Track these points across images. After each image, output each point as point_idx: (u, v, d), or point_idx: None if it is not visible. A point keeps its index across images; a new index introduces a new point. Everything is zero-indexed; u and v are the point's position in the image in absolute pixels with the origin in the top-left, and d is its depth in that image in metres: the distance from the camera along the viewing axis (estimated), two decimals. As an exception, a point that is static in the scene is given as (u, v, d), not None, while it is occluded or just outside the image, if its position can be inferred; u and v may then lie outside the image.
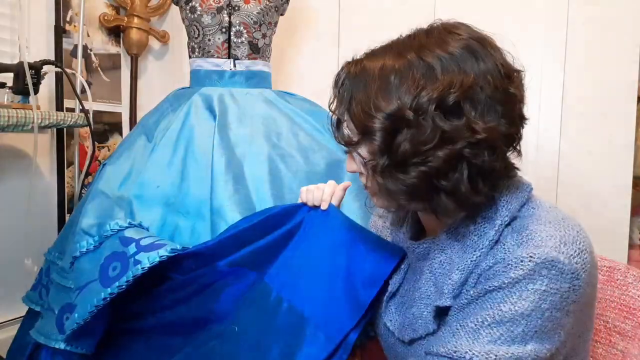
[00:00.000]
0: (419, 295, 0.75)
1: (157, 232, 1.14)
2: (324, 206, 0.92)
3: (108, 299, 0.91)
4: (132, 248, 0.97)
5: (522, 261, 0.60)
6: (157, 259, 0.92)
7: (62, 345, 0.98)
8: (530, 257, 0.60)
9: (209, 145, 1.26)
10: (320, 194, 0.93)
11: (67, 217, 1.64)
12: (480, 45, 0.64)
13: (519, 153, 0.70)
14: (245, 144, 1.28)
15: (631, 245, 1.82)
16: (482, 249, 0.66)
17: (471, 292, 0.65)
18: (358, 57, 0.71)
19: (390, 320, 0.80)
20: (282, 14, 1.61)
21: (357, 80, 0.67)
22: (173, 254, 0.94)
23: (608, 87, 1.56)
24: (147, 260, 0.93)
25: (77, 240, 1.09)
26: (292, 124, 1.37)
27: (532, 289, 0.60)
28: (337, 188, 0.94)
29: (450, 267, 0.70)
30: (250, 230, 0.95)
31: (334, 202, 0.93)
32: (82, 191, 1.70)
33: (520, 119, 0.68)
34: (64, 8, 1.66)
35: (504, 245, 0.65)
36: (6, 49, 1.52)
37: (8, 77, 1.34)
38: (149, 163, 1.24)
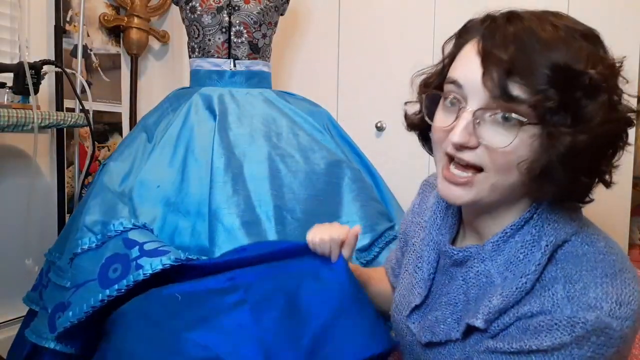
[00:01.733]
0: (446, 300, 0.72)
1: (157, 231, 1.14)
2: (333, 259, 0.85)
3: (105, 300, 0.90)
4: (135, 251, 0.96)
5: (573, 326, 0.56)
6: (160, 267, 0.91)
7: (51, 345, 0.98)
8: (583, 323, 0.56)
9: (209, 145, 1.26)
10: (328, 247, 0.83)
11: (67, 217, 1.64)
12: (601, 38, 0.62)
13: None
14: (245, 144, 1.28)
15: (631, 245, 1.82)
16: (528, 274, 0.61)
17: (507, 339, 0.62)
18: (508, 14, 0.61)
19: (413, 323, 0.78)
20: (282, 14, 1.61)
21: (530, 34, 0.57)
22: (176, 264, 0.92)
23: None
24: (150, 266, 0.92)
25: (79, 236, 1.08)
26: (292, 124, 1.37)
27: (577, 355, 0.57)
28: (349, 235, 0.84)
29: (487, 281, 0.67)
30: (257, 259, 0.90)
31: (346, 252, 0.85)
32: (82, 191, 1.70)
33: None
34: (64, 8, 1.66)
35: (553, 292, 0.60)
36: (6, 49, 1.52)
37: (8, 77, 1.34)
38: (149, 163, 1.24)
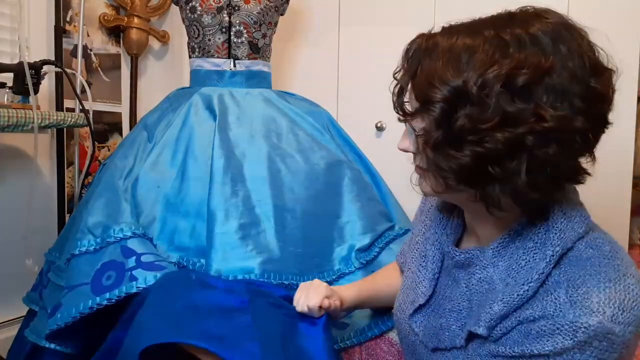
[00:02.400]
0: (450, 307, 0.73)
1: (157, 232, 1.14)
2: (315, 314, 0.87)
3: (95, 308, 0.90)
4: (131, 261, 0.96)
5: (575, 331, 0.56)
6: (153, 282, 0.91)
7: (52, 345, 0.98)
8: (585, 328, 0.56)
9: (208, 146, 1.26)
10: (306, 306, 0.86)
11: (67, 217, 1.64)
12: (567, 32, 0.59)
13: (593, 158, 0.63)
14: (245, 144, 1.28)
15: (631, 245, 1.82)
16: (530, 282, 0.61)
17: (509, 344, 0.62)
18: (432, 32, 0.66)
19: (415, 322, 0.78)
20: (282, 14, 1.61)
21: (426, 53, 0.63)
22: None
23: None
24: (144, 280, 0.92)
25: (78, 237, 1.08)
26: (292, 124, 1.37)
27: (578, 359, 0.57)
28: (330, 301, 0.87)
29: (489, 288, 0.67)
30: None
31: (326, 303, 0.87)
32: (82, 191, 1.70)
33: (602, 121, 0.61)
34: (64, 8, 1.66)
35: (555, 297, 0.60)
36: (6, 49, 1.52)
37: (8, 77, 1.34)
38: (148, 162, 1.24)
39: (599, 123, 0.61)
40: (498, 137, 0.57)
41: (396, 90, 0.69)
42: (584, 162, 0.63)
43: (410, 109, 0.66)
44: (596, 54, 0.61)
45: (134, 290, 0.91)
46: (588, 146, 0.62)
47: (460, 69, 0.59)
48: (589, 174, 0.64)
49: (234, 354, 0.69)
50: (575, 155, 0.61)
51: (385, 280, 1.00)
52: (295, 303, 0.88)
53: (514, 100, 0.57)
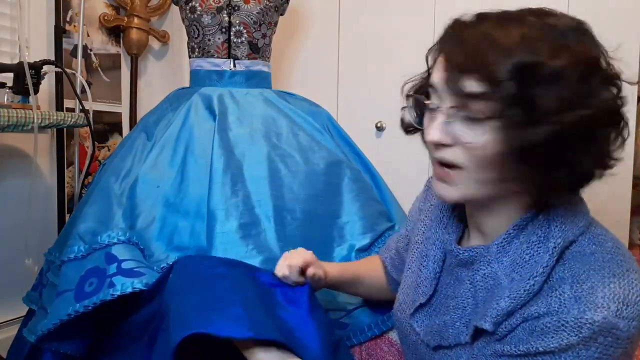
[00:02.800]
0: (454, 305, 0.72)
1: (156, 232, 1.14)
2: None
3: (72, 315, 0.90)
4: (112, 268, 0.96)
5: (580, 327, 0.57)
6: (129, 290, 0.91)
7: (52, 345, 0.98)
8: (590, 324, 0.56)
9: (208, 146, 1.26)
10: (286, 266, 0.86)
11: (67, 217, 1.64)
12: (589, 30, 0.62)
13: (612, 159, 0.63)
14: (244, 144, 1.28)
15: (631, 245, 1.83)
16: (535, 277, 0.62)
17: (514, 342, 0.62)
18: (474, 17, 0.63)
19: (416, 321, 0.78)
20: (282, 14, 1.61)
21: (482, 35, 0.59)
22: (146, 289, 0.92)
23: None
24: (121, 287, 0.91)
25: (70, 243, 1.09)
26: (292, 124, 1.37)
27: (584, 355, 0.57)
28: (314, 269, 0.88)
29: (494, 283, 0.67)
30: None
31: (311, 272, 0.87)
32: (82, 191, 1.70)
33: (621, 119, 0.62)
34: (64, 8, 1.66)
35: (560, 293, 0.60)
36: (6, 49, 1.52)
37: (8, 77, 1.34)
38: (148, 162, 1.24)
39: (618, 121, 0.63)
40: (573, 116, 0.56)
41: (452, 75, 0.62)
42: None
43: (472, 91, 0.59)
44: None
45: (109, 298, 0.91)
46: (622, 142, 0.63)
47: (531, 47, 0.57)
48: (611, 166, 0.64)
49: (219, 322, 0.68)
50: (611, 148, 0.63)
51: (368, 269, 1.01)
52: (277, 270, 0.88)
53: (584, 82, 0.57)
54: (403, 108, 0.75)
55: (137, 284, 0.93)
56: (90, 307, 0.91)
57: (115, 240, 1.04)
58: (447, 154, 0.64)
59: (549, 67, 0.56)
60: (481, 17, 0.62)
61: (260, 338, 0.68)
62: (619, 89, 0.61)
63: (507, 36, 0.58)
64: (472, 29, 0.61)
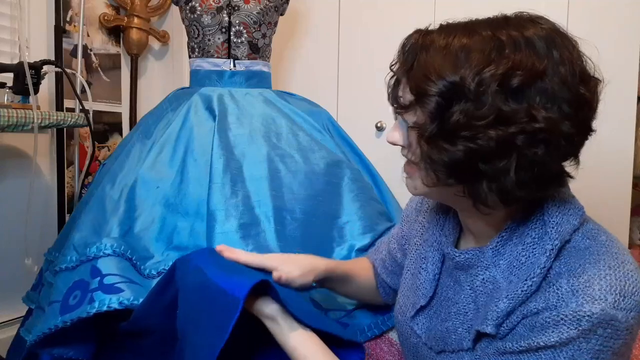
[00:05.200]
0: (456, 311, 0.73)
1: (156, 232, 1.14)
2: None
3: (52, 329, 0.90)
4: (95, 282, 0.95)
5: (579, 320, 0.57)
6: (104, 309, 0.90)
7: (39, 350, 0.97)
8: (589, 316, 0.57)
9: (208, 146, 1.26)
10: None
11: (67, 217, 1.64)
12: (560, 39, 0.61)
13: (577, 163, 0.65)
14: (244, 144, 1.28)
15: (631, 245, 1.82)
16: (533, 277, 0.62)
17: (515, 339, 0.63)
18: (430, 29, 0.67)
19: (417, 324, 0.78)
20: (282, 14, 1.61)
21: (423, 48, 0.64)
22: (120, 308, 0.90)
23: (608, 86, 1.56)
24: (98, 304, 0.90)
25: (64, 253, 1.08)
26: (292, 124, 1.37)
27: (585, 348, 0.58)
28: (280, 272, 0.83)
29: (493, 287, 0.67)
30: None
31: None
32: (82, 191, 1.70)
33: (587, 127, 0.63)
34: (64, 8, 1.66)
35: (557, 287, 0.61)
36: (6, 49, 1.53)
37: (8, 77, 1.34)
38: (147, 162, 1.24)
39: (584, 129, 0.63)
40: (491, 134, 0.58)
41: (391, 83, 0.70)
42: (568, 164, 0.66)
43: (404, 102, 0.66)
44: (584, 62, 0.63)
45: (85, 315, 0.89)
46: (573, 150, 0.64)
47: (457, 65, 0.60)
48: (571, 177, 0.66)
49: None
50: (560, 158, 0.63)
51: (359, 269, 1.00)
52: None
53: (508, 100, 0.58)
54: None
55: (114, 302, 0.91)
56: (68, 323, 0.90)
57: (101, 254, 1.02)
58: (405, 152, 0.71)
59: (470, 85, 0.58)
60: (440, 29, 0.66)
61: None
62: (571, 103, 0.59)
63: (443, 52, 0.61)
64: (421, 39, 0.65)
